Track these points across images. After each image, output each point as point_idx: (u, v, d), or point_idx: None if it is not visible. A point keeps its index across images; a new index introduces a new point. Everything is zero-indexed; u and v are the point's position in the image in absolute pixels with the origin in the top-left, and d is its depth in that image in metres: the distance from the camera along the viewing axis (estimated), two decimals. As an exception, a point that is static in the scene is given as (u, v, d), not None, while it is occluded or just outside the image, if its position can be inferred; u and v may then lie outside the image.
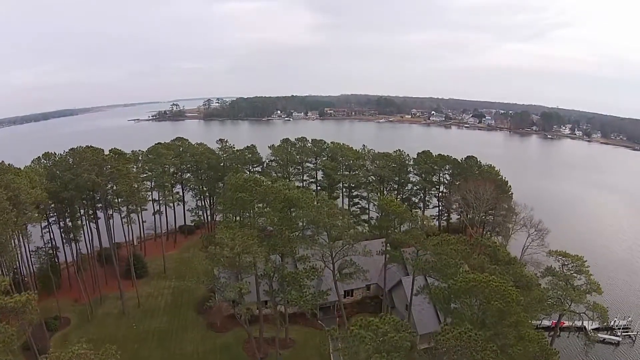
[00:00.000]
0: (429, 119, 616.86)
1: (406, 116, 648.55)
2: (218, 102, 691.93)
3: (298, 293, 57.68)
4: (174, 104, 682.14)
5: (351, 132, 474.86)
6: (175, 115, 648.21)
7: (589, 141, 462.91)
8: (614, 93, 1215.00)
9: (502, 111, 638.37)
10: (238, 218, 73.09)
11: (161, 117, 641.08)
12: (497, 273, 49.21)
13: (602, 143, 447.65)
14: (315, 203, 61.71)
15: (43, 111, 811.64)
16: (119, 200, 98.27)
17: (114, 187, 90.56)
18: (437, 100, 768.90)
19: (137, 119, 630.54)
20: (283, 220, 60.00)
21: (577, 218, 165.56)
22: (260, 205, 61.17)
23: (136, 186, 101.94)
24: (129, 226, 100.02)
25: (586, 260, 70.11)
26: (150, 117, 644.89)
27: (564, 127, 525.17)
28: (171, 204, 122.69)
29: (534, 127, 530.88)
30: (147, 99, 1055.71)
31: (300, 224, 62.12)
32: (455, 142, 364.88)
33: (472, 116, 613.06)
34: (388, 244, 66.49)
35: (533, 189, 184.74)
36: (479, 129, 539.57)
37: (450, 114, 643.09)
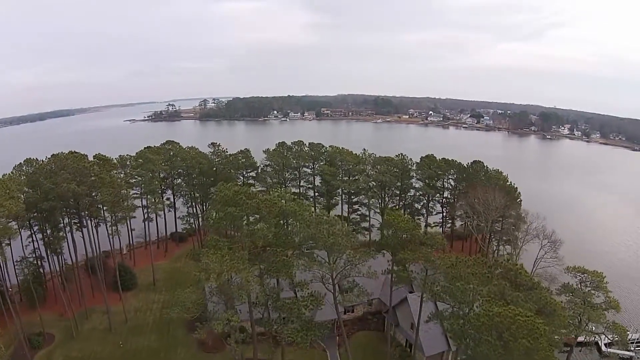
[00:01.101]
0: (427, 119, 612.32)
1: (403, 116, 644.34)
2: (214, 103, 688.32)
3: (294, 326, 52.32)
4: (169, 104, 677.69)
5: (348, 132, 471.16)
6: (171, 115, 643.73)
7: (587, 141, 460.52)
8: (613, 93, 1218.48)
9: (500, 111, 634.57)
10: (230, 230, 67.19)
11: (157, 117, 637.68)
12: (520, 301, 43.93)
13: (601, 143, 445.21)
14: (314, 217, 56.09)
15: (40, 111, 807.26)
16: (104, 209, 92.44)
17: (97, 196, 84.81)
18: (435, 100, 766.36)
19: (133, 120, 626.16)
20: (278, 236, 54.38)
21: (577, 221, 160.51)
22: (253, 219, 55.32)
23: (124, 192, 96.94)
24: (114, 237, 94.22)
25: (605, 276, 66.10)
26: (146, 118, 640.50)
27: (562, 128, 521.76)
28: (161, 212, 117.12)
29: (533, 128, 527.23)
30: (145, 99, 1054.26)
31: (297, 239, 56.33)
32: (454, 143, 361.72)
33: (470, 116, 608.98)
34: (395, 264, 60.73)
35: (532, 190, 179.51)
36: (477, 129, 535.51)
37: (447, 114, 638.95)
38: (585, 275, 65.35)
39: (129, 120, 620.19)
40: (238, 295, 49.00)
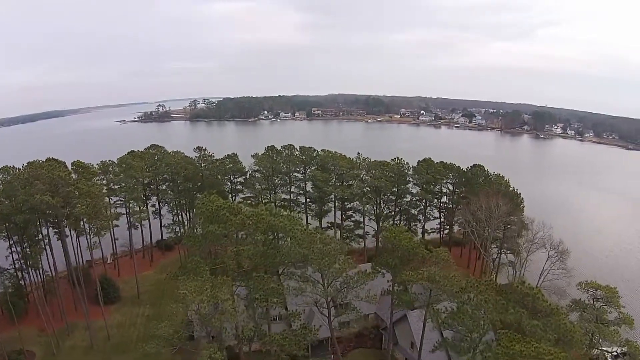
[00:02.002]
0: (418, 119, 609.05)
1: (395, 116, 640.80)
2: (204, 103, 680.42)
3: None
4: (160, 105, 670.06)
5: (340, 133, 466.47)
6: (161, 116, 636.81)
7: (581, 140, 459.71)
8: (606, 92, 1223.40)
9: (493, 110, 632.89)
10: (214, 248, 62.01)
11: (147, 118, 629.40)
12: (539, 330, 39.32)
13: (594, 142, 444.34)
14: (306, 234, 50.79)
15: (32, 112, 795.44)
16: (84, 220, 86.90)
17: (75, 208, 79.33)
18: (426, 100, 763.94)
19: (123, 120, 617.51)
20: (267, 255, 49.11)
21: (575, 222, 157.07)
22: (238, 236, 50.05)
23: (105, 201, 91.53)
24: (93, 250, 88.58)
25: (618, 291, 62.19)
26: (136, 119, 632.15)
27: (555, 127, 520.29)
28: (145, 220, 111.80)
29: (526, 127, 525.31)
30: (137, 99, 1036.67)
31: (287, 260, 50.98)
32: (447, 143, 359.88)
33: (462, 116, 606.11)
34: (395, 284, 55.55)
35: (529, 190, 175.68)
36: (469, 129, 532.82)
37: (439, 113, 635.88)
38: (598, 291, 61.44)
39: (119, 121, 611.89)
40: (223, 327, 43.79)
